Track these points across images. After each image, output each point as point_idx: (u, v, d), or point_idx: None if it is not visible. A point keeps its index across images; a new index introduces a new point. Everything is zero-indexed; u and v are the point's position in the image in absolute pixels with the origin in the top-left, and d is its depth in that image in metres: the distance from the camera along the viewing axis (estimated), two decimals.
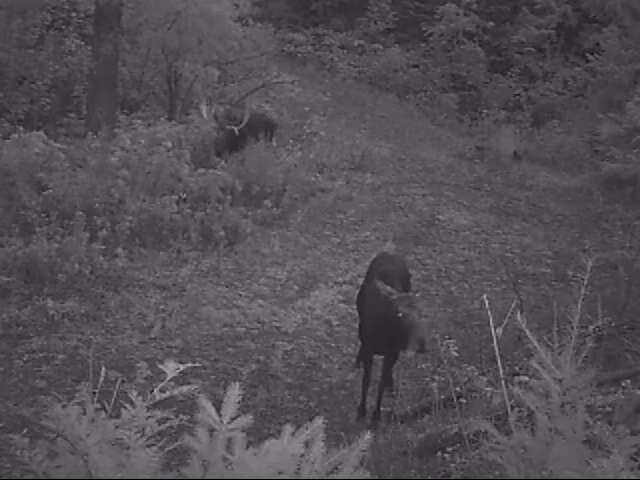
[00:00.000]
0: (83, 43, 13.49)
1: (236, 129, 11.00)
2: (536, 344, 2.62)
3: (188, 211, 9.46)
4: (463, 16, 19.23)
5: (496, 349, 3.81)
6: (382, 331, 5.99)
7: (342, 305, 8.49)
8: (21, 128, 10.36)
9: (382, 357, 6.40)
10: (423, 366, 6.93)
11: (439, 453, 4.69)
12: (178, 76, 13.10)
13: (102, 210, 9.02)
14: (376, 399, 6.30)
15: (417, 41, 19.88)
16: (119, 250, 8.52)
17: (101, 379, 2.63)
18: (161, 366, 2.37)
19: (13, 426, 5.49)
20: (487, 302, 3.96)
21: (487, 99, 18.56)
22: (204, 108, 11.07)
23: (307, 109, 14.55)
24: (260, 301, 8.43)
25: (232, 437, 2.10)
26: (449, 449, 4.69)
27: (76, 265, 8.03)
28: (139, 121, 11.33)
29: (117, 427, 2.17)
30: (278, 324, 7.99)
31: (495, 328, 3.98)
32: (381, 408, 6.26)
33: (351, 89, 18.35)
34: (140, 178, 9.66)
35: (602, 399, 4.34)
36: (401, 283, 6.29)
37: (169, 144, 10.35)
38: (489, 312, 3.93)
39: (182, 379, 2.93)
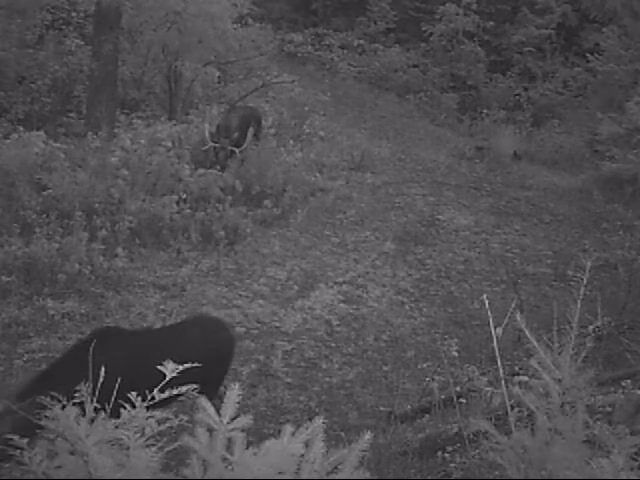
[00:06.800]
0: (83, 43, 13.47)
1: (237, 151, 10.90)
2: (536, 344, 2.62)
3: (188, 211, 9.46)
4: (463, 16, 19.20)
5: (496, 349, 3.81)
6: None
7: (342, 305, 8.49)
8: (21, 128, 10.36)
9: None
10: (424, 366, 6.93)
11: (439, 453, 4.70)
12: (178, 76, 13.09)
13: (102, 210, 9.02)
14: None
15: (417, 41, 19.85)
16: (119, 250, 8.52)
17: (101, 379, 2.63)
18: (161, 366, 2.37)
19: None
20: (487, 302, 3.96)
21: (487, 99, 18.53)
22: (206, 129, 11.04)
23: (307, 109, 14.53)
24: (260, 301, 8.43)
25: (232, 437, 2.10)
26: (449, 449, 4.69)
27: (76, 265, 8.04)
28: (139, 121, 11.32)
29: (117, 427, 2.17)
30: (278, 324, 7.99)
31: (495, 328, 3.98)
32: (381, 408, 6.28)
33: (351, 89, 18.33)
34: (140, 178, 9.66)
35: (602, 399, 4.35)
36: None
37: (169, 144, 10.35)
38: (489, 312, 3.93)
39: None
